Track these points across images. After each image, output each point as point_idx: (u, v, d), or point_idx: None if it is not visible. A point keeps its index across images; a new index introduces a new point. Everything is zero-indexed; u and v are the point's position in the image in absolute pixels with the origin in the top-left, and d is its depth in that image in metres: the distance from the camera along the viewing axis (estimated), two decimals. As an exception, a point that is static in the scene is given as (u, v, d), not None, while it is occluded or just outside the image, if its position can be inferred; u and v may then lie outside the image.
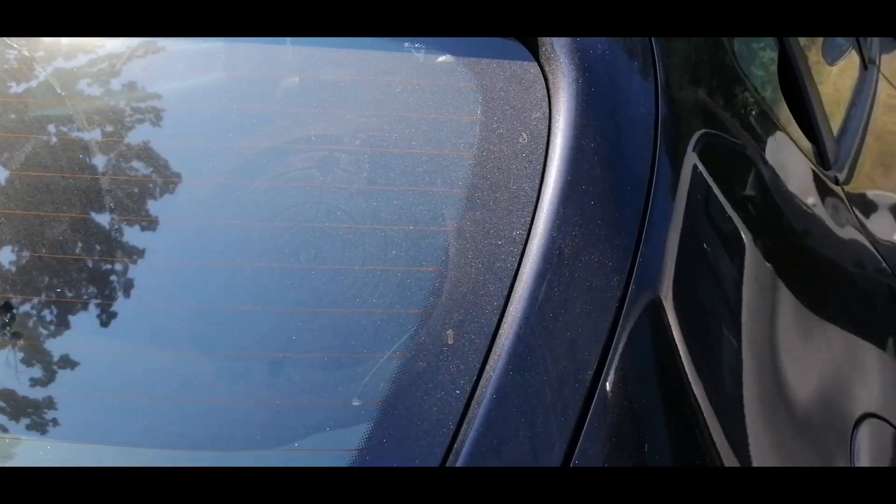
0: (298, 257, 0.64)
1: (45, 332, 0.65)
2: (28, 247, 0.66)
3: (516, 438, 0.57)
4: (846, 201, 1.02)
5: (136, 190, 0.68)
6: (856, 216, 1.03)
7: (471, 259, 0.63)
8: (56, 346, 0.64)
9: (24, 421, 0.62)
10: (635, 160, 0.66)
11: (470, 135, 0.67)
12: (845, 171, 1.09)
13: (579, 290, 0.61)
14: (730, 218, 0.74)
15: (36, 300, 0.65)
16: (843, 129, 1.23)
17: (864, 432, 0.78)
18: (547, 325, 0.59)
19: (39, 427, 0.62)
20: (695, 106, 0.77)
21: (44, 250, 0.66)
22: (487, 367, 0.59)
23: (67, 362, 0.64)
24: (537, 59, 0.69)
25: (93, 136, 0.71)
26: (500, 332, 0.59)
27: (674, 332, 0.62)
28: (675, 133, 0.70)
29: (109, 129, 0.72)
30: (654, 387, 0.62)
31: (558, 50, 0.68)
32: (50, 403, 0.63)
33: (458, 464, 0.56)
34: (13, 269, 0.66)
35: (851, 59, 1.45)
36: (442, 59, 0.71)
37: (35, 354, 0.64)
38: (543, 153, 0.65)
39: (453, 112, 0.68)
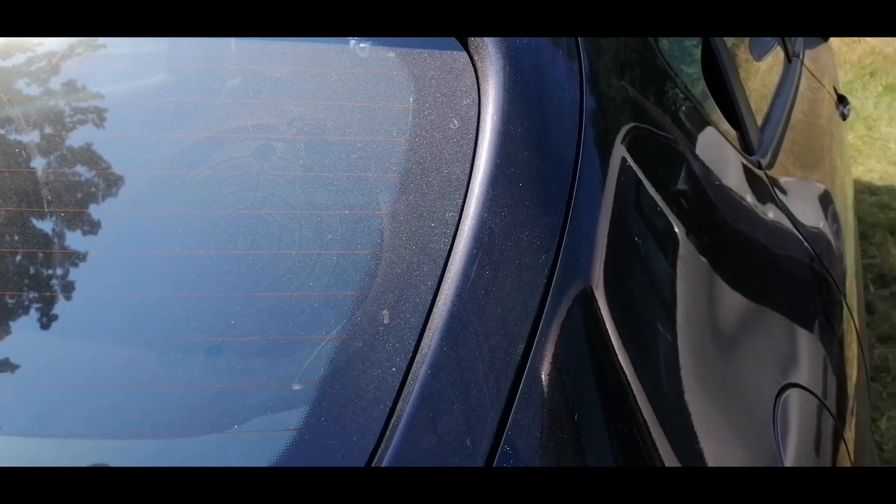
0: (236, 244, 0.65)
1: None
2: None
3: (451, 411, 0.59)
4: (769, 184, 1.07)
5: (72, 182, 0.69)
6: (778, 198, 1.07)
7: (405, 241, 0.64)
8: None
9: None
10: (561, 144, 0.69)
11: (403, 122, 0.69)
12: (768, 156, 1.14)
13: (509, 268, 0.63)
14: (653, 197, 0.77)
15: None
16: (767, 117, 1.28)
17: (787, 400, 0.82)
18: (479, 302, 0.62)
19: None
20: (618, 94, 0.80)
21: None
22: (422, 343, 0.60)
23: (4, 356, 0.64)
24: (466, 49, 0.71)
25: (29, 129, 0.71)
26: (434, 310, 0.61)
27: (600, 306, 0.65)
28: (600, 118, 0.73)
29: (46, 121, 0.72)
30: (582, 358, 0.65)
31: (486, 40, 0.70)
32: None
33: (396, 438, 0.58)
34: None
35: (777, 55, 1.51)
36: (375, 49, 0.72)
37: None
38: (473, 138, 0.67)
39: (386, 100, 0.70)
